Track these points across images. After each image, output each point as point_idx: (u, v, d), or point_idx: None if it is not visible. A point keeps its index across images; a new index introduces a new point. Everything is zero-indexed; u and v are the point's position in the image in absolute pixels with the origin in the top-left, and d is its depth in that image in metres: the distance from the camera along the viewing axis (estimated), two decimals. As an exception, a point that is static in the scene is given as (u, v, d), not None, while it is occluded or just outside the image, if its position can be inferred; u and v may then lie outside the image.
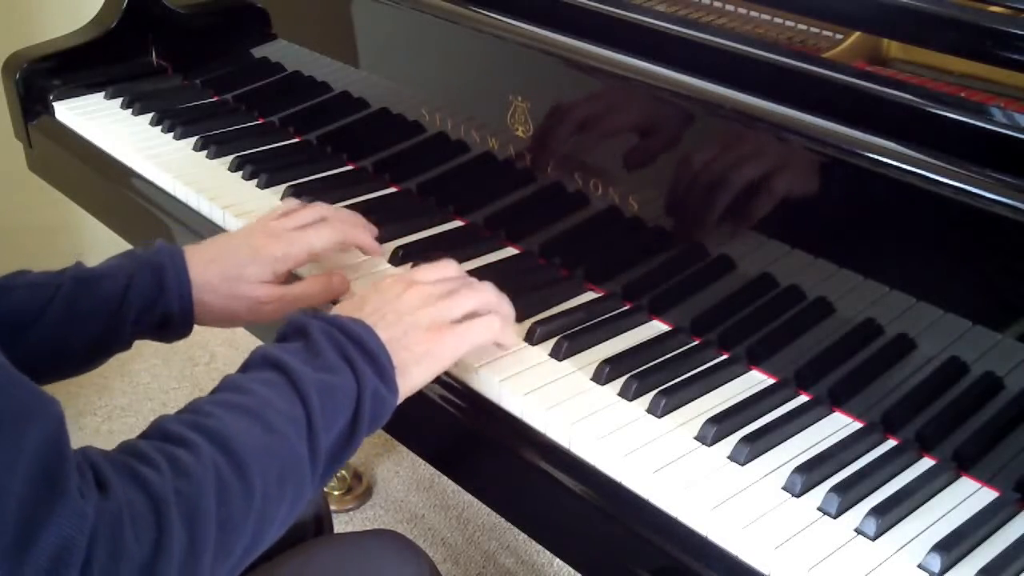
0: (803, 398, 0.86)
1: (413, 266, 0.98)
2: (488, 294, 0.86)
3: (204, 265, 0.91)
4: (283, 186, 1.17)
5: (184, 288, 0.89)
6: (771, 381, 0.88)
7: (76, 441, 0.58)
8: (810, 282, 0.84)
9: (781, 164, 0.83)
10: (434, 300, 0.83)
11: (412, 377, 0.79)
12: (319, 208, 0.99)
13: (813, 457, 0.79)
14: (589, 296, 0.99)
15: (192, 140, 1.29)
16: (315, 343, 0.75)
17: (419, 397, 0.91)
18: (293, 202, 1.03)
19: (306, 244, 0.95)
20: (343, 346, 0.75)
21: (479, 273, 1.01)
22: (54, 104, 1.40)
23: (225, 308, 0.92)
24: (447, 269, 0.88)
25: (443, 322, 0.82)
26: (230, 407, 0.69)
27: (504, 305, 0.88)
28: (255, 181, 1.20)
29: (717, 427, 0.81)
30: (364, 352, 0.75)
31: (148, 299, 0.88)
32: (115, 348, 0.90)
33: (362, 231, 1.00)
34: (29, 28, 1.93)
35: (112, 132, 1.33)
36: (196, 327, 0.93)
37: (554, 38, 0.95)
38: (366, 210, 1.12)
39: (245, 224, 0.99)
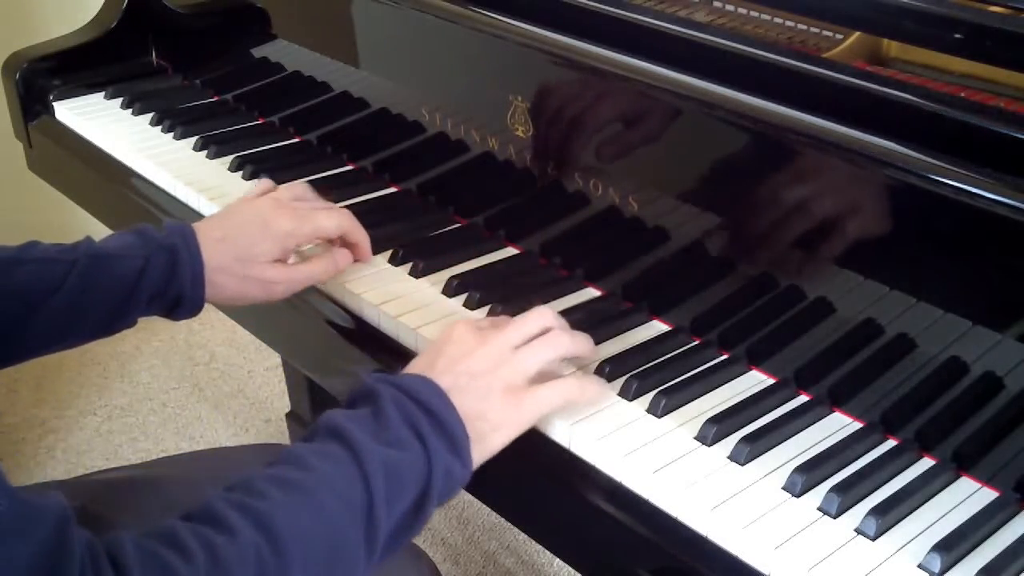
0: (803, 398, 0.86)
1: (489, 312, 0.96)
2: (564, 341, 0.82)
3: (215, 244, 0.91)
4: (281, 186, 1.17)
5: (197, 269, 0.89)
6: (771, 381, 0.88)
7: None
8: (810, 282, 0.84)
9: (781, 164, 0.83)
10: (509, 355, 0.78)
11: (488, 446, 0.76)
12: (326, 202, 1.00)
13: (813, 457, 0.79)
14: (589, 296, 0.99)
15: (192, 140, 1.29)
16: (384, 413, 0.72)
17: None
18: (305, 187, 1.02)
19: (315, 223, 0.95)
20: (414, 419, 0.72)
21: (479, 272, 1.02)
22: (54, 104, 1.40)
23: (236, 288, 0.92)
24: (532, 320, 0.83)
25: (520, 383, 0.78)
26: (284, 486, 0.67)
27: (581, 344, 0.84)
28: (255, 181, 1.20)
29: (717, 427, 0.81)
30: (437, 425, 0.72)
31: (162, 282, 0.88)
32: (122, 326, 0.90)
33: (363, 232, 1.00)
34: (29, 28, 1.94)
35: (112, 132, 1.33)
36: (189, 321, 0.93)
37: (554, 38, 0.95)
38: (366, 210, 1.12)
39: (249, 196, 0.99)
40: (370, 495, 0.68)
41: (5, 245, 0.87)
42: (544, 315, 0.83)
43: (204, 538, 0.62)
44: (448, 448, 0.72)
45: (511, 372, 0.78)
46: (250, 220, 0.93)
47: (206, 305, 0.93)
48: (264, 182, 1.02)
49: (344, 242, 1.00)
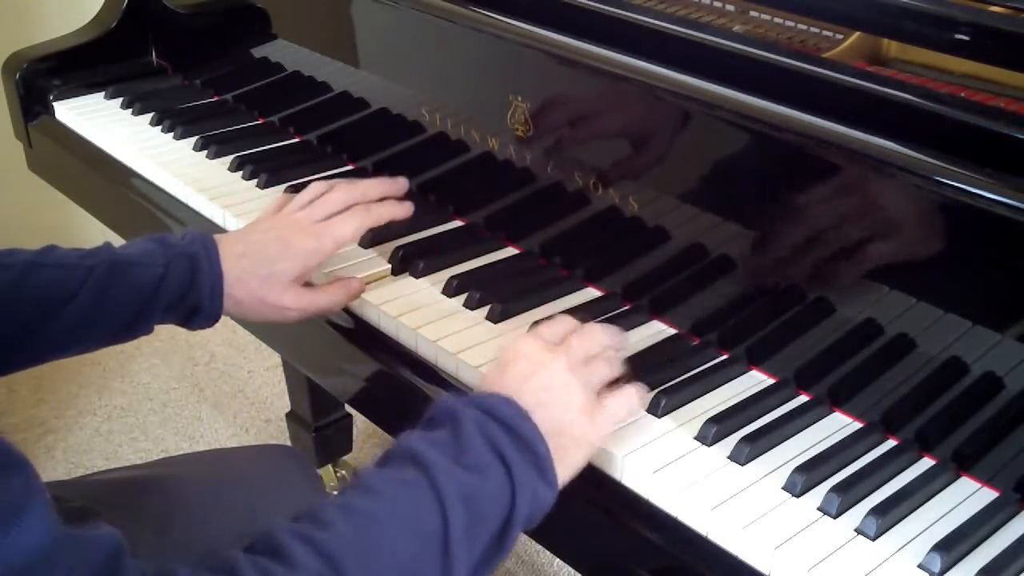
0: (803, 398, 0.86)
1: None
2: (617, 361, 0.81)
3: (236, 259, 0.90)
4: (283, 186, 1.17)
5: (216, 281, 0.89)
6: (771, 381, 0.88)
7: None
8: (810, 282, 0.84)
9: (781, 164, 0.83)
10: (581, 369, 0.77)
11: (571, 463, 0.73)
12: (341, 193, 0.97)
13: (813, 457, 0.79)
14: (589, 296, 0.99)
15: (192, 140, 1.29)
16: (465, 435, 0.68)
17: (417, 396, 0.91)
18: (317, 187, 0.99)
19: (334, 236, 0.94)
20: (497, 440, 0.68)
21: (479, 272, 1.02)
22: (54, 104, 1.40)
23: (252, 307, 0.92)
24: (570, 322, 0.83)
25: (592, 396, 0.77)
26: (351, 516, 0.64)
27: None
28: (255, 181, 1.20)
29: (717, 427, 0.81)
30: (522, 446, 0.69)
31: (181, 290, 0.88)
32: (139, 333, 0.89)
33: (387, 208, 0.98)
34: (29, 28, 1.94)
35: (112, 132, 1.33)
36: (204, 328, 0.93)
37: (554, 38, 0.95)
38: (366, 210, 1.12)
39: (265, 215, 0.98)
40: (446, 523, 0.64)
41: (23, 248, 0.87)
42: (597, 331, 0.82)
43: (264, 570, 0.60)
44: (534, 469, 0.69)
45: (583, 386, 0.76)
46: (269, 239, 0.93)
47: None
48: (280, 197, 1.01)
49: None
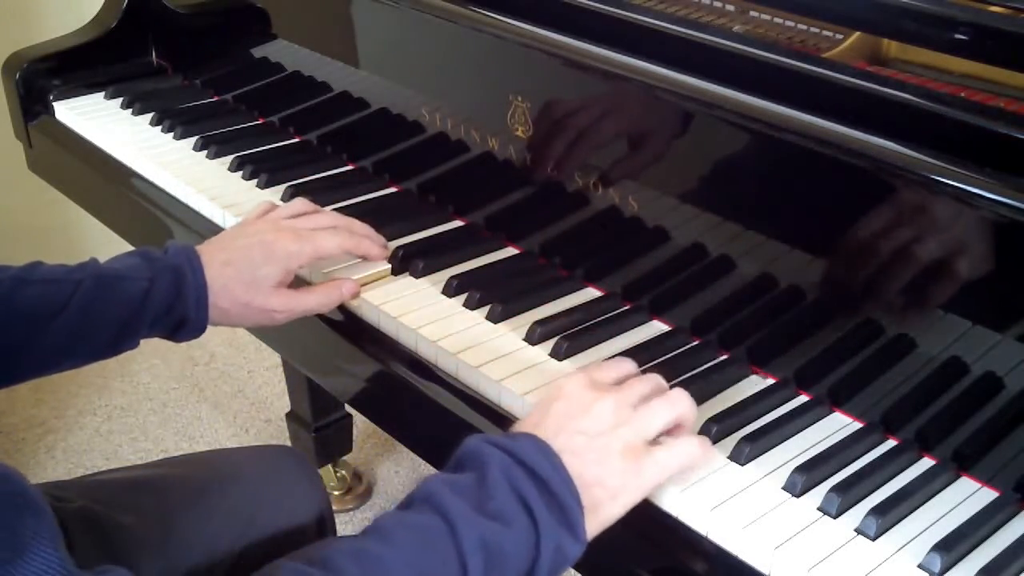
0: (803, 398, 0.86)
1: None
2: (683, 401, 0.75)
3: (220, 268, 0.90)
4: (283, 186, 1.17)
5: (201, 292, 0.89)
6: (771, 381, 0.88)
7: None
8: (810, 282, 0.84)
9: (781, 164, 0.83)
10: (628, 414, 0.72)
11: (604, 516, 0.69)
12: (328, 216, 0.99)
13: (813, 457, 0.79)
14: (589, 296, 0.99)
15: (192, 140, 1.29)
16: (490, 480, 0.65)
17: (417, 396, 0.91)
18: (303, 202, 1.02)
19: (316, 244, 0.94)
20: (522, 488, 0.65)
21: (479, 272, 1.02)
22: (54, 104, 1.40)
23: (239, 314, 0.92)
24: (625, 365, 0.79)
25: (640, 445, 0.71)
26: (364, 563, 0.62)
27: (694, 410, 0.77)
28: (255, 181, 1.20)
29: (717, 427, 0.81)
30: (548, 495, 0.65)
31: (166, 304, 0.88)
32: (125, 347, 0.90)
33: (369, 243, 0.99)
34: (29, 28, 1.94)
35: (112, 132, 1.33)
36: (191, 340, 0.93)
37: (554, 38, 0.95)
38: (366, 210, 1.12)
39: (249, 220, 0.99)
40: (464, 573, 0.62)
41: (7, 265, 0.87)
42: (657, 378, 0.77)
43: None
44: (560, 521, 0.65)
45: (631, 432, 0.71)
46: (253, 243, 0.92)
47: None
48: (263, 203, 1.02)
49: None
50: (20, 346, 0.84)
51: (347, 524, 1.77)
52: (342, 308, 1.00)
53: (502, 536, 0.63)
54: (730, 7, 0.97)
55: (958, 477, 0.79)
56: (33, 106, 1.41)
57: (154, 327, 0.89)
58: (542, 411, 0.73)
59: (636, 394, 0.74)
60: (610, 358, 0.84)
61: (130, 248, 0.95)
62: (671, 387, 0.78)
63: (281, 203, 1.04)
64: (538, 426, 0.71)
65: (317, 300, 0.96)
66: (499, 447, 0.67)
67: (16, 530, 0.53)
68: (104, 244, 2.09)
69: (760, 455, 0.79)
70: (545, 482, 0.65)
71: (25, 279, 0.85)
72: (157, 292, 0.87)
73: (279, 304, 0.93)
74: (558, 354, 0.90)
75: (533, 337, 0.92)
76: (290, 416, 1.74)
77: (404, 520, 0.64)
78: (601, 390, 0.73)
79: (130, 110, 1.38)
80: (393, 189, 1.19)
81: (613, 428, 0.71)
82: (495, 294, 0.97)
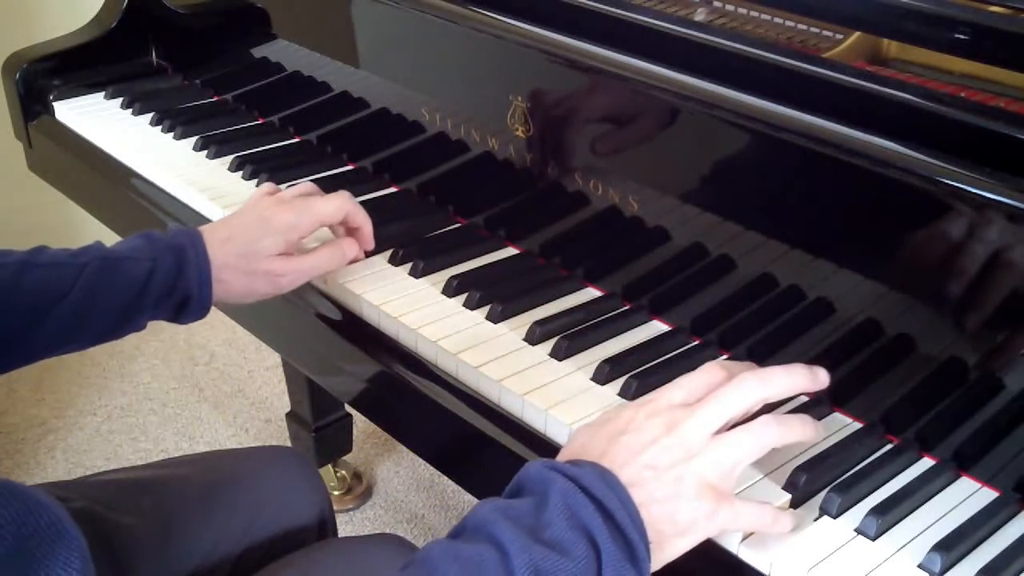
0: (803, 398, 0.86)
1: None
2: (771, 431, 0.67)
3: (220, 244, 0.91)
4: (283, 186, 1.17)
5: (204, 269, 0.90)
6: (771, 381, 0.88)
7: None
8: (810, 282, 0.84)
9: (781, 164, 0.83)
10: (704, 444, 0.65)
11: (668, 553, 0.65)
12: (337, 197, 0.99)
13: (813, 457, 0.79)
14: (589, 296, 0.99)
15: (192, 140, 1.29)
16: (549, 507, 0.61)
17: (417, 397, 0.91)
18: (311, 185, 1.03)
19: (315, 211, 0.95)
20: (586, 519, 0.61)
21: (479, 272, 1.02)
22: (54, 104, 1.40)
23: (244, 285, 0.93)
24: (710, 376, 0.69)
25: (716, 480, 0.65)
26: None
27: (795, 431, 0.69)
28: (255, 181, 1.20)
29: (717, 427, 0.81)
30: (614, 528, 0.61)
31: (169, 283, 0.88)
32: (130, 329, 0.90)
33: (365, 215, 1.00)
34: (29, 28, 1.94)
35: (112, 132, 1.33)
36: (194, 322, 0.93)
37: (554, 38, 0.95)
38: (366, 210, 1.12)
39: (250, 199, 0.99)
40: None
41: (13, 250, 0.87)
42: (748, 389, 0.68)
43: None
44: (625, 556, 0.61)
45: (706, 465, 0.65)
46: (252, 219, 0.94)
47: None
48: (266, 186, 1.02)
49: (348, 229, 1.00)
50: (25, 330, 0.85)
51: (347, 524, 1.77)
52: (342, 308, 1.00)
53: (558, 565, 0.59)
54: (730, 7, 0.97)
55: (958, 477, 0.79)
56: (33, 106, 1.41)
57: (158, 308, 0.89)
58: (607, 438, 0.67)
59: (714, 419, 0.67)
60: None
61: (146, 231, 0.95)
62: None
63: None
64: (603, 456, 0.66)
65: (319, 260, 0.96)
66: (563, 473, 0.63)
67: (46, 564, 0.52)
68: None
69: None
70: (611, 514, 0.61)
71: (31, 263, 0.86)
72: (159, 272, 0.88)
73: (281, 267, 0.93)
74: (558, 354, 0.90)
75: (533, 337, 0.92)
76: (290, 416, 1.74)
77: (451, 549, 0.61)
78: (674, 418, 0.67)
79: (130, 110, 1.38)
80: (393, 189, 1.19)
81: (686, 460, 0.65)
82: (495, 294, 0.97)
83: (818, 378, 0.71)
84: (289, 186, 1.16)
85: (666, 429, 0.66)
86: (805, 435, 0.70)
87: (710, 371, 0.70)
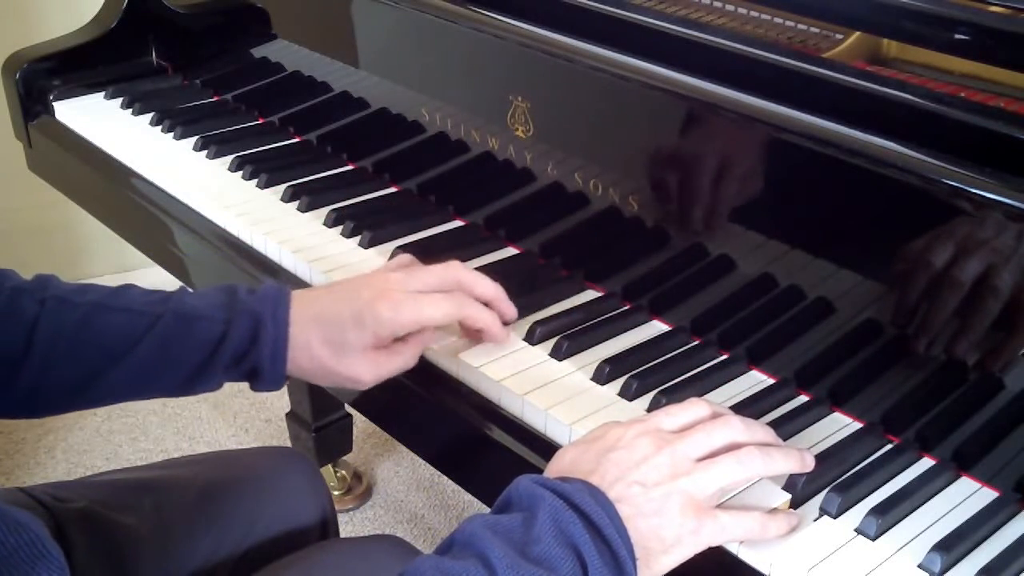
0: (803, 398, 0.86)
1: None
2: (755, 462, 0.70)
3: (306, 323, 0.83)
4: (283, 186, 1.17)
5: (279, 346, 0.82)
6: (771, 381, 0.88)
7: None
8: (810, 282, 0.84)
9: (781, 164, 0.83)
10: (690, 466, 0.68)
11: (655, 569, 0.66)
12: (449, 270, 0.88)
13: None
14: (589, 296, 0.99)
15: (192, 140, 1.29)
16: (538, 523, 0.62)
17: (417, 397, 0.91)
18: (410, 261, 0.92)
19: (418, 314, 0.84)
20: (574, 534, 0.62)
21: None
22: (54, 104, 1.40)
23: (324, 377, 0.85)
24: (696, 409, 0.73)
25: (701, 499, 0.67)
26: None
27: (778, 463, 0.72)
28: (255, 181, 1.20)
29: (717, 427, 0.81)
30: (602, 543, 0.62)
31: (240, 351, 0.82)
32: (204, 388, 0.84)
33: (488, 313, 0.88)
34: (29, 28, 1.93)
35: (112, 132, 1.33)
36: (268, 391, 0.87)
37: (554, 38, 0.95)
38: (366, 210, 1.12)
39: (361, 276, 0.90)
40: None
41: (97, 286, 0.84)
42: (733, 427, 0.71)
43: None
44: (612, 572, 0.62)
45: (691, 485, 0.67)
46: (347, 303, 0.83)
47: None
48: (399, 258, 0.94)
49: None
50: (93, 375, 0.81)
51: (347, 524, 1.77)
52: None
53: None
54: (730, 7, 0.97)
55: (958, 477, 0.79)
56: (33, 106, 1.41)
57: (229, 372, 0.83)
58: (595, 455, 0.69)
59: (701, 446, 0.69)
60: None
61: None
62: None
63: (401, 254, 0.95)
64: (593, 473, 0.67)
65: (403, 361, 0.86)
66: (552, 490, 0.64)
67: None
68: (104, 244, 2.09)
69: (760, 455, 0.79)
70: (599, 529, 0.62)
71: (106, 305, 0.82)
72: (232, 338, 0.82)
73: (365, 371, 0.83)
74: (558, 354, 0.90)
75: (533, 337, 0.92)
76: (290, 416, 1.74)
77: (441, 566, 0.61)
78: (663, 439, 0.69)
79: (130, 110, 1.38)
80: (393, 189, 1.19)
81: (672, 479, 0.67)
82: (495, 294, 0.97)
83: (804, 461, 0.74)
84: (293, 186, 1.16)
85: (655, 448, 0.68)
86: (790, 468, 0.73)
87: (696, 404, 0.74)
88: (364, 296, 0.83)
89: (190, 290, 0.86)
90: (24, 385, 0.80)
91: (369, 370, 0.84)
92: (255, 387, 0.85)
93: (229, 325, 0.82)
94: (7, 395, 0.80)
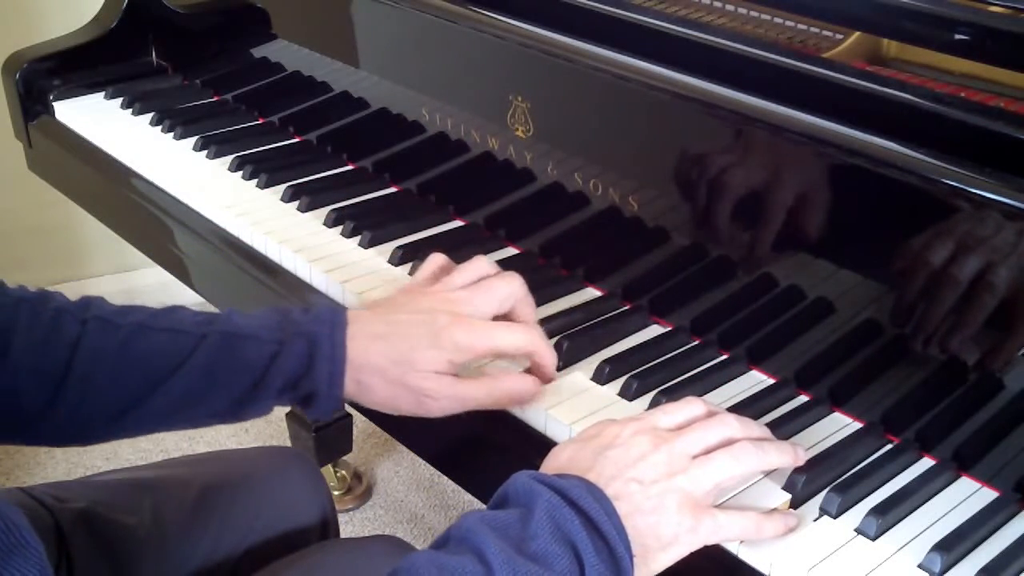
0: (803, 398, 0.86)
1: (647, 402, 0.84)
2: (750, 457, 0.70)
3: (368, 341, 0.79)
4: (283, 186, 1.17)
5: (336, 368, 0.78)
6: (771, 381, 0.88)
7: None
8: (810, 282, 0.84)
9: (781, 164, 0.83)
10: (686, 463, 0.68)
11: (652, 566, 0.66)
12: (516, 285, 0.85)
13: (813, 457, 0.78)
14: (589, 296, 0.99)
15: (192, 140, 1.29)
16: (535, 519, 0.62)
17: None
18: (480, 266, 0.87)
19: (494, 340, 0.80)
20: (571, 530, 0.61)
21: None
22: (54, 104, 1.40)
23: (385, 394, 0.80)
24: (692, 408, 0.73)
25: (699, 496, 0.67)
26: None
27: (772, 458, 0.72)
28: (255, 181, 1.20)
29: (717, 426, 0.81)
30: (599, 539, 0.62)
31: (293, 375, 0.78)
32: (253, 413, 0.81)
33: (552, 354, 0.85)
34: (29, 28, 1.93)
35: (112, 132, 1.33)
36: (322, 418, 0.86)
37: (554, 38, 0.95)
38: (366, 210, 1.12)
39: (417, 282, 0.88)
40: None
41: (147, 307, 0.80)
42: (729, 424, 0.72)
43: None
44: (609, 568, 0.61)
45: (688, 482, 0.67)
46: (418, 324, 0.80)
47: None
48: (434, 259, 0.89)
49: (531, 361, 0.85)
50: (132, 400, 0.78)
51: (347, 524, 1.77)
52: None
53: None
54: (730, 7, 0.97)
55: (958, 477, 0.79)
56: (33, 106, 1.41)
57: (282, 396, 0.80)
58: (592, 454, 0.68)
59: (697, 443, 0.69)
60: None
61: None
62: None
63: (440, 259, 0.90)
64: (590, 471, 0.67)
65: (481, 392, 0.81)
66: (549, 486, 0.63)
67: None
68: (104, 244, 2.09)
69: (760, 455, 0.79)
70: (596, 526, 0.62)
71: (149, 327, 0.78)
72: (285, 360, 0.77)
73: (436, 388, 0.78)
74: (558, 354, 0.90)
75: (533, 337, 0.92)
76: (290, 416, 1.74)
77: (437, 561, 0.60)
78: (659, 436, 0.69)
79: (130, 110, 1.38)
80: (393, 189, 1.19)
81: (669, 477, 0.67)
82: (495, 294, 0.97)
83: (798, 455, 0.75)
84: (293, 186, 1.16)
85: (652, 446, 0.68)
86: (783, 461, 0.74)
87: (692, 403, 0.74)
88: (440, 321, 0.79)
89: (238, 312, 0.82)
90: (65, 409, 0.77)
91: (438, 387, 0.79)
92: (309, 413, 0.82)
93: (281, 346, 0.78)
94: (48, 419, 0.77)
